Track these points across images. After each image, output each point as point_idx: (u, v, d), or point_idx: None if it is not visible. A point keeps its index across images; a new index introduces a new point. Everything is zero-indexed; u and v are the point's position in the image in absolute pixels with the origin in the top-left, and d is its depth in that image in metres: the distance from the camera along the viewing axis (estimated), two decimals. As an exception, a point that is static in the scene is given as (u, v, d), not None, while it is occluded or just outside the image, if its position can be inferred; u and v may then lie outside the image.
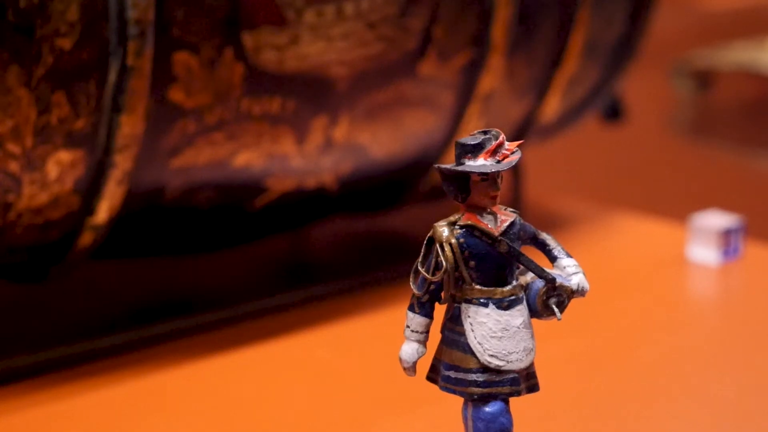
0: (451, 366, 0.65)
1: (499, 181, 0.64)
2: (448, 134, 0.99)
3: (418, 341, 0.65)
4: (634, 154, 1.43)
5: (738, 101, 1.62)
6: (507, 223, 0.65)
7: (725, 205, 1.09)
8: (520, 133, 1.06)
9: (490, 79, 0.98)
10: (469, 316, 0.64)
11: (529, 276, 0.65)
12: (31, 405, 0.84)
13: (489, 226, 0.64)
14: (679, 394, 0.84)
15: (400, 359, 0.65)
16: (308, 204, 0.97)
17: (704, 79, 1.63)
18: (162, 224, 0.91)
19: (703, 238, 1.05)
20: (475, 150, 0.63)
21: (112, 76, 0.81)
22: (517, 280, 0.65)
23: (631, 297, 0.98)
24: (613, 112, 1.18)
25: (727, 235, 1.04)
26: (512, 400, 0.65)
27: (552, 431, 0.76)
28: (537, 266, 0.65)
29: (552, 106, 1.06)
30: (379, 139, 0.95)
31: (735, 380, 0.85)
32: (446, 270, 0.64)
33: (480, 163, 0.63)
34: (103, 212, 0.85)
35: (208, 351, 0.91)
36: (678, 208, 1.13)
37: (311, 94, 0.90)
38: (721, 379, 0.86)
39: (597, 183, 1.30)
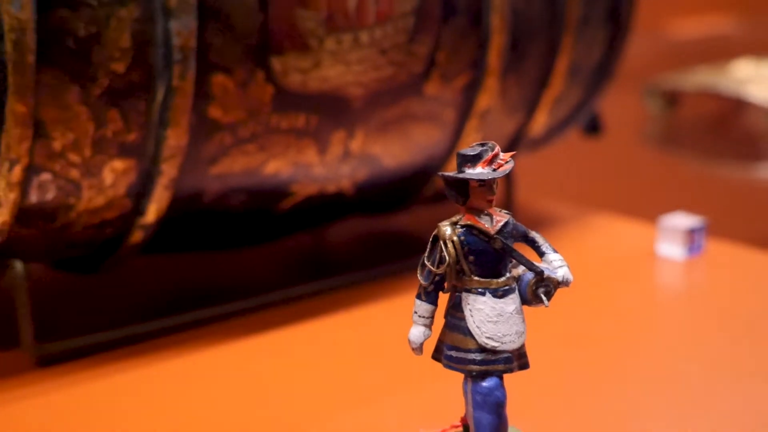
0: (453, 347, 0.65)
1: (494, 186, 0.64)
2: (449, 146, 0.99)
3: (425, 325, 0.65)
4: (610, 163, 1.43)
5: (700, 118, 1.62)
6: (501, 223, 0.64)
7: (689, 208, 1.09)
8: (512, 145, 1.06)
9: (487, 98, 0.98)
10: (468, 304, 0.64)
11: (521, 269, 0.65)
12: (93, 378, 0.84)
13: (486, 226, 0.64)
14: (649, 369, 0.84)
15: (409, 341, 0.65)
16: (328, 206, 0.97)
17: (671, 98, 1.63)
18: (201, 224, 0.91)
19: (671, 237, 1.05)
20: (474, 160, 0.64)
21: (159, 95, 0.81)
22: (510, 272, 0.65)
23: (609, 287, 0.98)
24: (593, 127, 1.18)
25: (691, 234, 1.04)
26: (506, 376, 0.65)
27: (540, 403, 0.77)
28: (527, 260, 0.65)
29: (540, 122, 1.06)
30: (390, 150, 0.95)
31: (699, 356, 0.86)
32: (449, 264, 0.64)
33: (478, 171, 0.63)
34: (151, 213, 0.85)
35: (241, 334, 0.91)
36: (648, 210, 1.13)
37: (331, 111, 0.90)
38: (687, 356, 0.86)
39: (578, 188, 1.30)
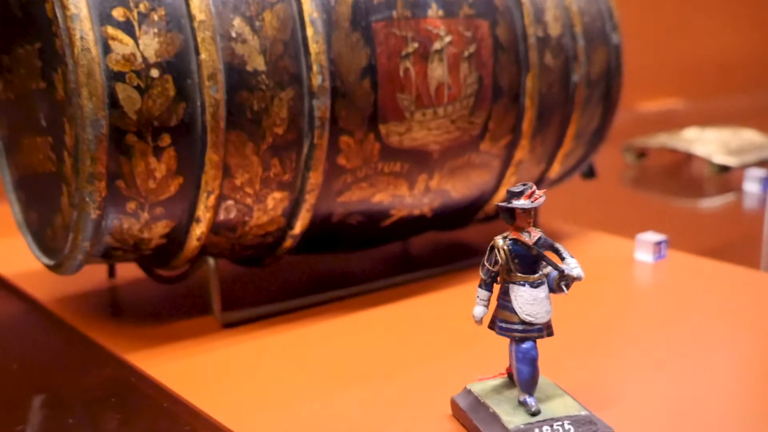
0: (503, 320, 0.65)
1: (532, 213, 0.64)
2: (496, 185, 0.99)
3: (484, 305, 0.66)
4: (601, 196, 1.42)
5: (661, 166, 1.60)
6: (536, 237, 0.65)
7: (656, 228, 1.08)
8: (537, 184, 1.05)
9: (521, 153, 0.97)
10: (513, 291, 0.65)
11: (549, 269, 0.65)
12: (260, 336, 0.85)
13: (526, 239, 0.64)
14: (627, 343, 0.83)
15: (473, 315, 0.66)
16: (414, 224, 0.96)
17: (641, 153, 1.62)
18: (330, 234, 0.91)
19: (643, 247, 1.04)
20: (519, 195, 0.64)
21: (305, 149, 0.82)
22: (542, 270, 0.65)
23: (600, 282, 0.97)
24: (590, 173, 1.18)
25: (658, 246, 1.03)
26: (538, 340, 0.65)
27: (559, 358, 0.76)
28: (553, 263, 0.65)
29: (555, 169, 1.06)
30: (456, 187, 0.95)
31: (665, 335, 0.84)
32: (501, 264, 0.65)
33: (522, 202, 0.64)
34: (297, 228, 0.86)
35: (355, 308, 0.91)
36: (627, 230, 1.12)
37: (417, 161, 0.89)
38: (656, 335, 0.85)
39: (579, 213, 1.29)
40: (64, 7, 0.71)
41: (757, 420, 0.69)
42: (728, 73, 2.36)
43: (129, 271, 1.00)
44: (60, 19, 0.72)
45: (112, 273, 0.99)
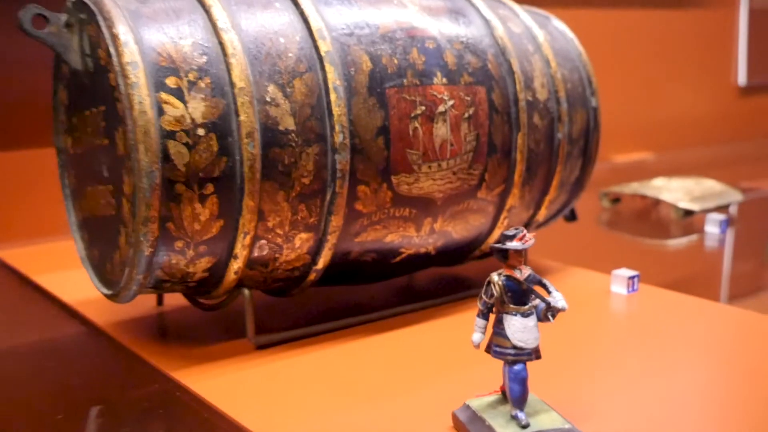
0: (498, 345, 0.65)
1: (524, 253, 0.64)
2: (490, 227, 0.99)
3: (481, 332, 0.66)
4: (580, 237, 1.42)
5: (633, 211, 1.60)
6: (527, 274, 0.65)
7: (628, 265, 1.07)
8: (526, 227, 1.05)
9: (512, 200, 0.97)
10: (506, 320, 0.65)
11: (537, 301, 0.65)
12: (289, 356, 0.84)
13: (518, 276, 0.64)
14: (604, 365, 0.83)
15: (472, 341, 0.66)
16: (420, 260, 0.96)
17: (615, 199, 1.62)
18: (348, 269, 0.91)
19: (618, 281, 1.04)
20: (512, 237, 0.64)
21: (328, 197, 0.82)
22: (531, 302, 0.65)
23: (581, 312, 0.97)
24: (572, 216, 1.17)
25: (631, 280, 1.03)
26: (528, 363, 0.65)
27: (546, 378, 0.76)
28: (541, 296, 0.65)
29: (542, 214, 1.06)
30: (457, 229, 0.95)
31: (637, 357, 0.84)
32: (496, 297, 0.65)
33: (515, 244, 0.64)
34: (320, 264, 0.85)
35: (369, 332, 0.91)
36: (605, 266, 1.11)
37: (424, 207, 0.89)
38: (629, 357, 0.84)
39: (561, 251, 1.28)
40: (125, 77, 0.73)
41: (716, 430, 0.69)
42: (691, 130, 2.37)
43: (175, 299, 1.00)
44: (121, 87, 0.73)
45: (160, 301, 1.00)
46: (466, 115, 0.90)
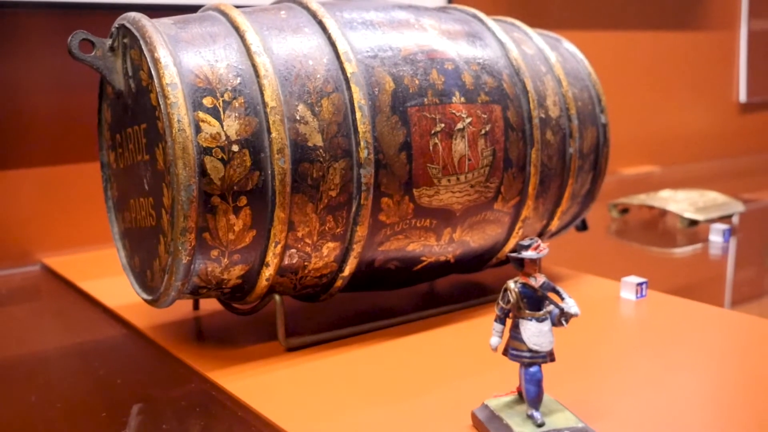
0: (514, 348, 0.65)
1: (538, 261, 0.64)
2: (506, 237, 0.98)
3: (498, 336, 0.66)
4: (591, 246, 1.41)
5: (641, 221, 1.59)
6: (541, 282, 0.65)
7: (637, 272, 1.07)
8: (539, 236, 1.05)
9: (526, 211, 0.97)
10: (522, 325, 0.64)
11: (551, 307, 0.65)
12: (318, 358, 0.84)
13: (533, 283, 0.64)
14: (615, 367, 0.83)
15: (490, 344, 0.66)
16: (440, 268, 0.96)
17: (624, 209, 1.61)
18: (372, 276, 0.91)
19: (627, 288, 1.03)
20: (527, 247, 0.64)
21: (354, 209, 0.82)
22: (546, 308, 0.65)
23: (592, 317, 0.96)
24: (583, 226, 1.17)
25: (639, 286, 1.02)
26: (543, 365, 0.65)
27: (560, 379, 0.76)
28: (555, 302, 0.65)
29: (555, 224, 1.05)
30: (475, 239, 0.94)
31: (646, 360, 0.84)
32: (512, 303, 0.64)
33: (530, 253, 0.64)
34: (347, 271, 0.85)
35: (394, 335, 0.90)
36: (614, 273, 1.11)
37: (443, 218, 0.89)
38: (638, 360, 0.84)
39: (574, 259, 1.28)
40: (165, 97, 0.73)
41: (721, 429, 0.69)
42: (695, 145, 2.35)
43: (210, 304, 1.00)
44: (162, 106, 0.74)
45: (196, 306, 1.00)
46: (483, 131, 0.90)
